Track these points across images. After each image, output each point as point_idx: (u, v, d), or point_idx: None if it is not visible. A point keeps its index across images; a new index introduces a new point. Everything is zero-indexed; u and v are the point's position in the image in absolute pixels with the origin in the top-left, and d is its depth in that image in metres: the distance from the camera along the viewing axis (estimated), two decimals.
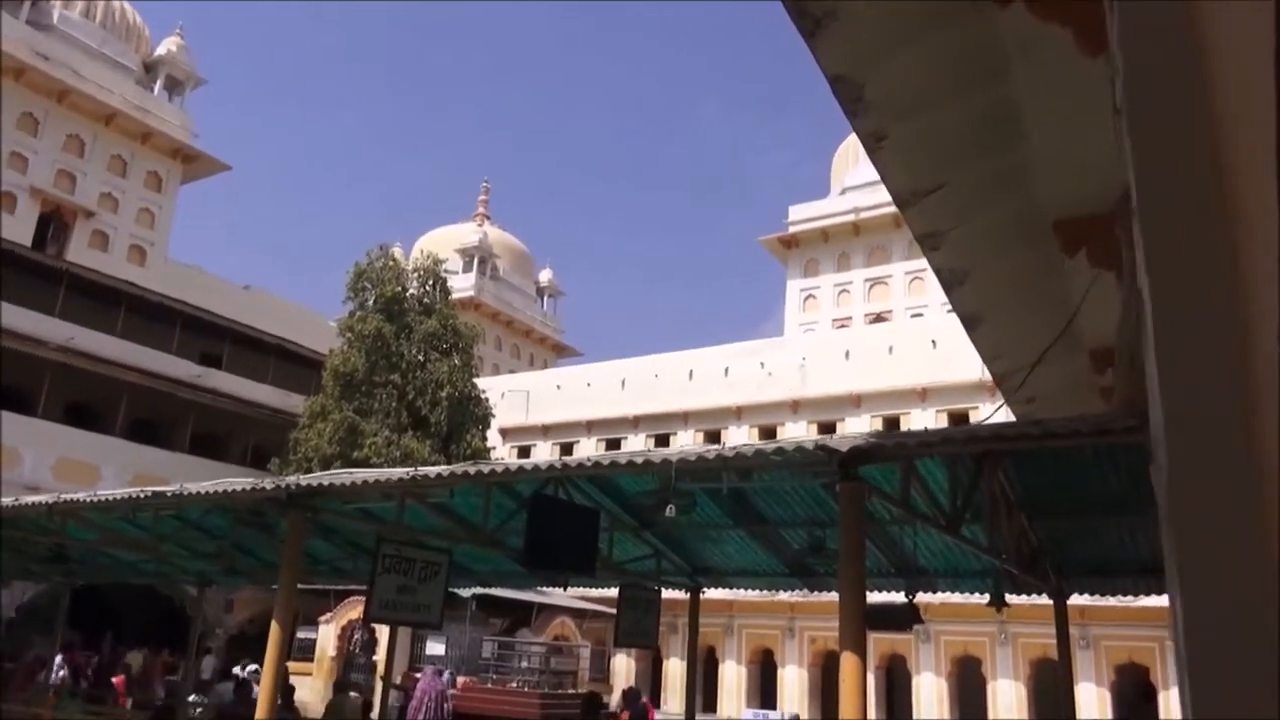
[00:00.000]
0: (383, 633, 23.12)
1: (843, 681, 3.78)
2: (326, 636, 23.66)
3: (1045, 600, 8.54)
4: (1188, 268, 1.98)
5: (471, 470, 5.84)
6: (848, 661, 3.80)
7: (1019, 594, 8.28)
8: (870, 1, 4.04)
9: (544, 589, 23.40)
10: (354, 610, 22.84)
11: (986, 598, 8.00)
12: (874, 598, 7.60)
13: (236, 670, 20.35)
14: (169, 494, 7.46)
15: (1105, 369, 8.00)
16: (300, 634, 23.47)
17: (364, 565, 10.70)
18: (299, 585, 6.90)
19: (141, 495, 7.60)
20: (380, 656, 22.81)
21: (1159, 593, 8.35)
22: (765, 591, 15.62)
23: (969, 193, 5.80)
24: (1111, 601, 10.97)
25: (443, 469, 5.98)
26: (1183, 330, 2.30)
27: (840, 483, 4.38)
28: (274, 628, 6.45)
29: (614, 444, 33.48)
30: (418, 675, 17.47)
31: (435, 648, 22.24)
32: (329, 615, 23.69)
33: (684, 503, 5.90)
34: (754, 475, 6.56)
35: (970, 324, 7.46)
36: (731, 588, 10.27)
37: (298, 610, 18.14)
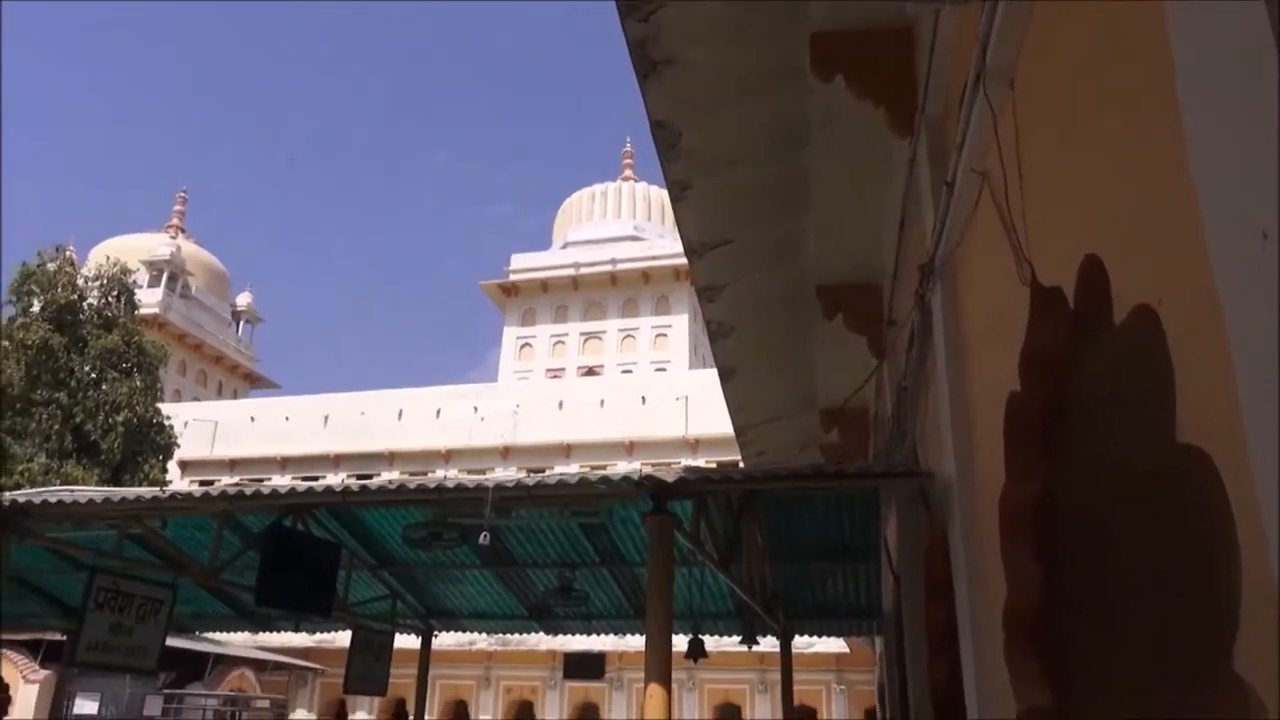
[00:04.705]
0: (19, 689, 19.92)
1: (648, 713, 3.76)
2: None
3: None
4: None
5: (248, 491, 5.18)
6: (653, 694, 3.79)
7: (761, 635, 8.74)
8: (707, 55, 4.22)
9: (216, 637, 21.32)
10: None
11: (738, 639, 8.36)
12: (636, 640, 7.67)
13: None
14: None
15: (832, 427, 8.74)
16: None
17: (29, 606, 9.25)
18: None
19: None
20: (12, 717, 19.60)
21: (870, 633, 9.19)
22: (464, 638, 15.18)
23: (752, 251, 6.17)
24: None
25: (191, 491, 5.27)
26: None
27: (650, 515, 4.39)
28: None
29: (311, 482, 31.55)
30: None
31: (86, 705, 19.48)
32: None
33: (452, 536, 5.64)
34: (513, 512, 6.44)
35: (725, 375, 7.87)
36: (466, 631, 9.93)
37: None
